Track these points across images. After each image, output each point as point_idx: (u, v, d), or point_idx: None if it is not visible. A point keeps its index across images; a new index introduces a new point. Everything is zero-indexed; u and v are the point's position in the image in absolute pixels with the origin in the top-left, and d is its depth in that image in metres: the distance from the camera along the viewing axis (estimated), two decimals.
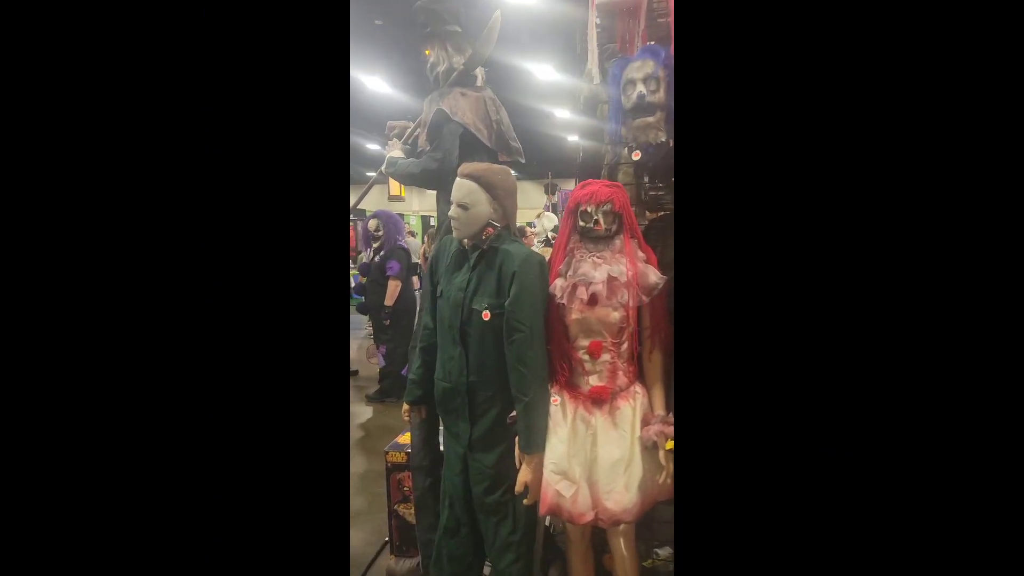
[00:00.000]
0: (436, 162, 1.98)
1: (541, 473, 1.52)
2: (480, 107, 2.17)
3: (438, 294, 1.71)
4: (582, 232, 1.57)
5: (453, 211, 1.58)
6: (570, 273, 1.55)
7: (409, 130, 2.36)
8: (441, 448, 2.26)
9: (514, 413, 1.57)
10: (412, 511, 2.35)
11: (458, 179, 1.59)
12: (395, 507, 2.36)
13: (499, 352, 1.57)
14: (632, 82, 1.56)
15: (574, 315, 1.54)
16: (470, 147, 2.06)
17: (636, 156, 1.57)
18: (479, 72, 2.26)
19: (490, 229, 1.57)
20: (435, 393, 1.75)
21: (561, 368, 1.58)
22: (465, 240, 1.63)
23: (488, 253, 1.58)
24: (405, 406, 1.90)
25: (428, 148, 2.09)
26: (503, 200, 1.59)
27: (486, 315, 1.55)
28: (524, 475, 1.52)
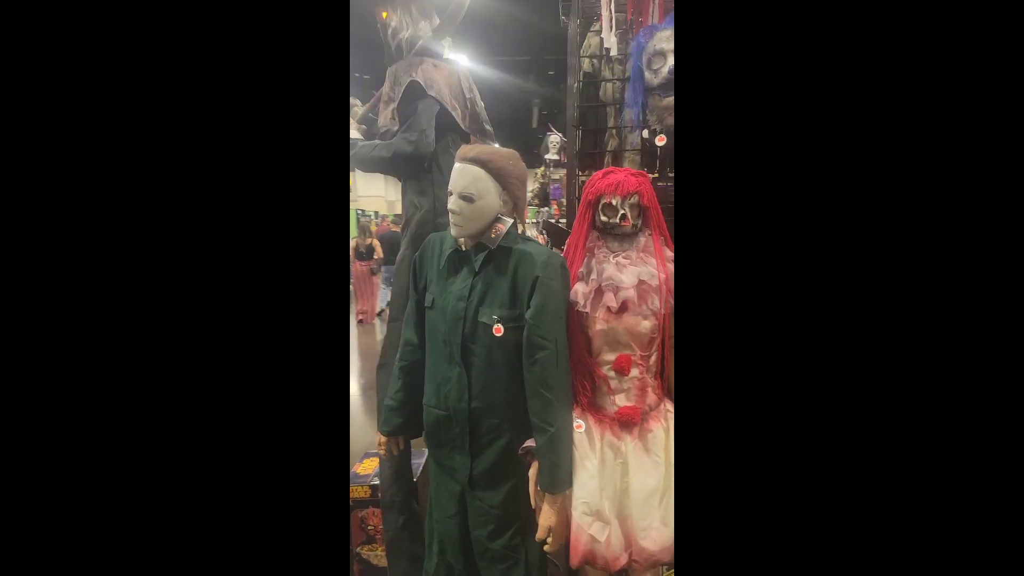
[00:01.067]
0: (411, 144, 1.66)
1: (567, 514, 1.29)
2: (454, 82, 1.87)
3: (428, 304, 1.41)
4: (603, 228, 1.35)
5: (454, 203, 1.29)
6: (593, 277, 1.32)
7: (368, 104, 2.00)
8: (414, 479, 1.96)
9: (527, 444, 1.32)
10: (379, 554, 2.02)
11: (460, 165, 1.29)
12: (357, 550, 2.02)
13: (510, 372, 1.30)
14: (661, 54, 1.34)
15: (599, 326, 1.31)
16: (441, 128, 1.77)
17: (661, 141, 1.36)
18: (446, 42, 1.96)
19: (500, 225, 1.30)
20: (424, 422, 1.45)
21: (583, 387, 1.35)
22: (463, 240, 1.34)
23: (498, 254, 1.31)
24: (380, 438, 1.57)
25: (395, 127, 1.76)
26: (515, 191, 1.32)
27: (498, 330, 1.28)
28: (547, 518, 1.27)
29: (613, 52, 1.51)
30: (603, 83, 1.61)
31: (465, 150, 1.30)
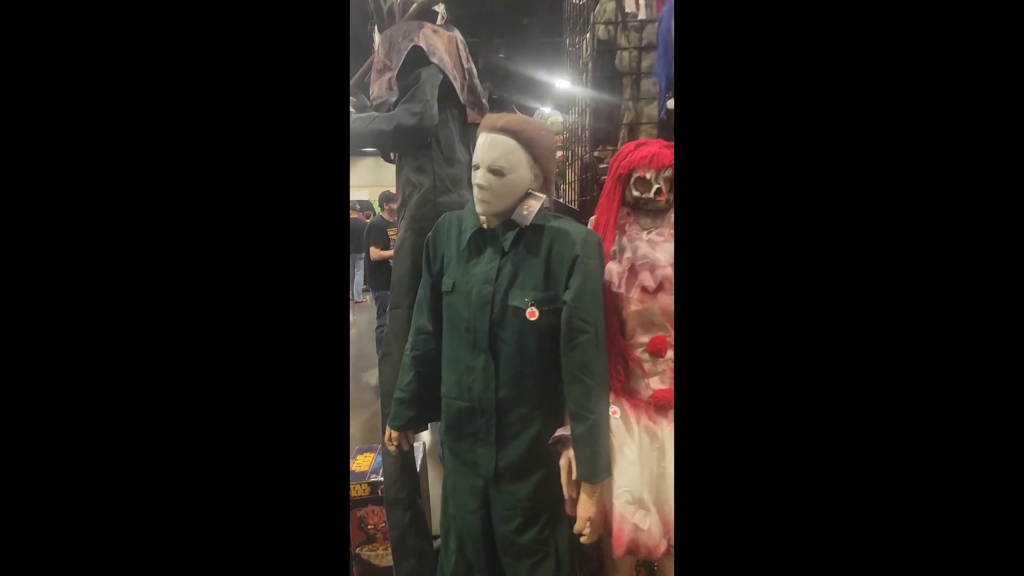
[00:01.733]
0: (415, 116, 1.52)
1: (605, 504, 1.23)
2: (454, 50, 1.74)
3: (447, 289, 1.30)
4: (635, 204, 1.28)
5: (483, 178, 1.18)
6: (628, 255, 1.25)
7: (358, 73, 1.84)
8: (416, 472, 1.86)
9: (559, 433, 1.25)
10: (380, 554, 1.91)
11: (489, 135, 1.18)
12: (357, 551, 1.91)
13: (542, 358, 1.22)
14: None
15: (633, 307, 1.25)
16: (440, 100, 1.64)
17: None
18: (440, 7, 1.82)
19: (532, 201, 1.20)
20: (443, 415, 1.35)
21: (616, 371, 1.29)
22: (485, 218, 1.24)
23: (530, 233, 1.21)
24: (391, 432, 1.47)
25: (394, 97, 1.61)
26: (546, 163, 1.22)
27: (532, 313, 1.19)
28: (587, 509, 1.20)
29: (641, 15, 1.42)
30: (619, 52, 1.53)
31: (493, 119, 1.19)
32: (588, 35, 1.66)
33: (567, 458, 1.23)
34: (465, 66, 1.80)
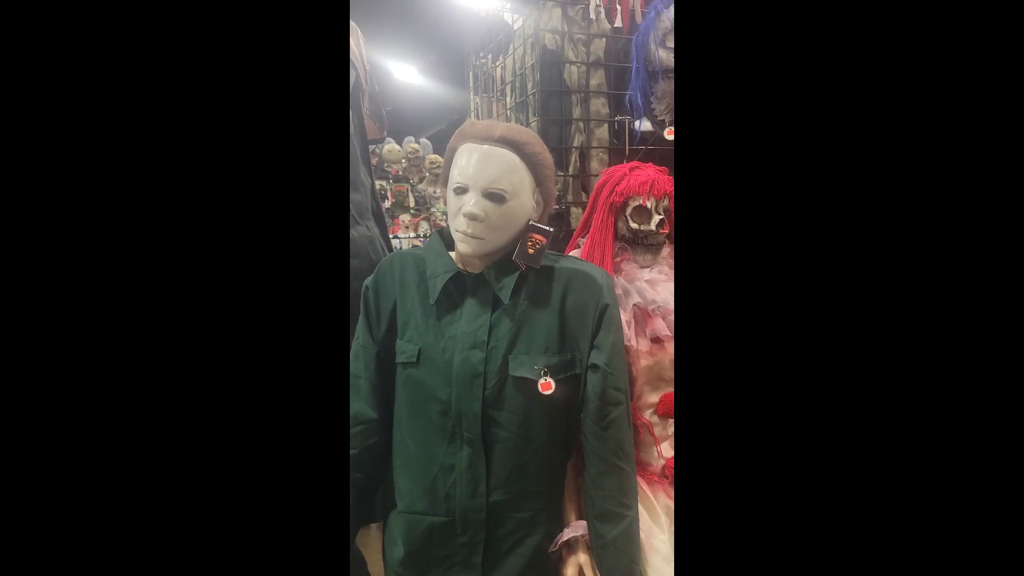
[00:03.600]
0: None
1: None
2: (356, 44, 1.37)
3: (408, 359, 0.93)
4: (632, 238, 1.08)
5: (477, 206, 0.85)
6: (636, 301, 1.04)
7: None
8: None
9: (567, 536, 0.96)
10: None
11: (483, 147, 0.87)
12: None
13: (552, 443, 0.93)
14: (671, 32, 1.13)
15: (643, 361, 1.03)
16: None
17: (671, 135, 1.16)
18: None
19: (538, 236, 0.90)
20: (401, 537, 0.96)
21: None
22: (473, 260, 0.92)
23: (536, 277, 0.91)
24: None
25: None
26: (549, 188, 0.94)
27: (546, 386, 0.88)
28: None
29: (613, 22, 1.23)
30: (567, 66, 1.33)
31: (483, 126, 0.88)
32: (511, 55, 1.45)
33: (576, 567, 0.95)
34: (366, 68, 1.44)
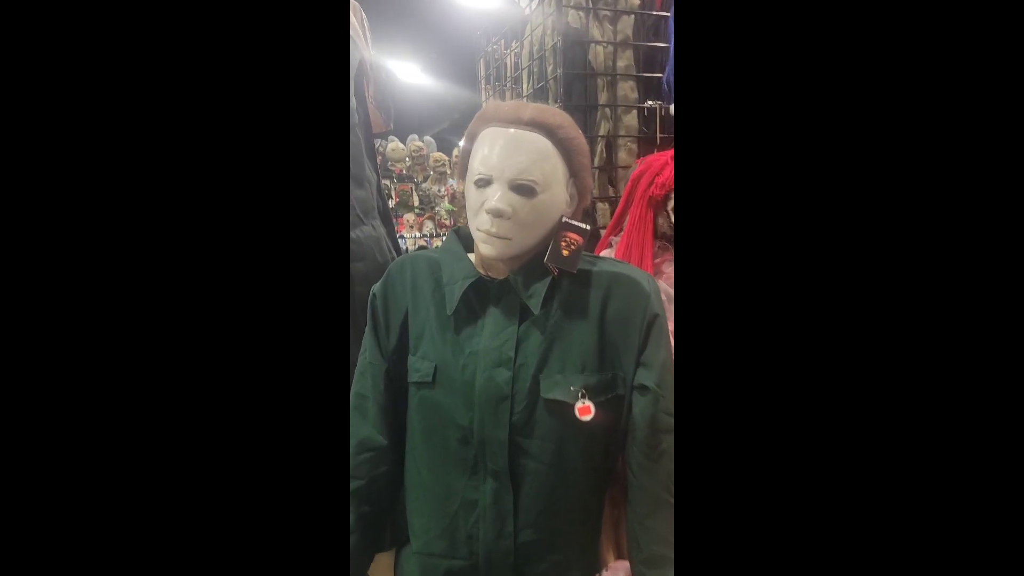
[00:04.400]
0: None
1: None
2: (359, 31, 1.25)
3: (422, 377, 0.80)
4: (675, 236, 0.95)
5: (503, 200, 0.73)
6: None
7: None
8: None
9: None
10: None
11: (506, 132, 0.74)
12: None
13: (588, 474, 0.80)
14: None
15: None
16: None
17: None
18: None
19: (574, 235, 0.77)
20: None
21: None
22: (497, 264, 0.79)
23: (571, 282, 0.79)
24: None
25: None
26: (584, 179, 0.81)
27: (585, 410, 0.75)
28: None
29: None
30: (592, 46, 1.20)
31: (509, 107, 0.75)
32: (527, 37, 1.32)
33: None
34: (371, 51, 1.32)
